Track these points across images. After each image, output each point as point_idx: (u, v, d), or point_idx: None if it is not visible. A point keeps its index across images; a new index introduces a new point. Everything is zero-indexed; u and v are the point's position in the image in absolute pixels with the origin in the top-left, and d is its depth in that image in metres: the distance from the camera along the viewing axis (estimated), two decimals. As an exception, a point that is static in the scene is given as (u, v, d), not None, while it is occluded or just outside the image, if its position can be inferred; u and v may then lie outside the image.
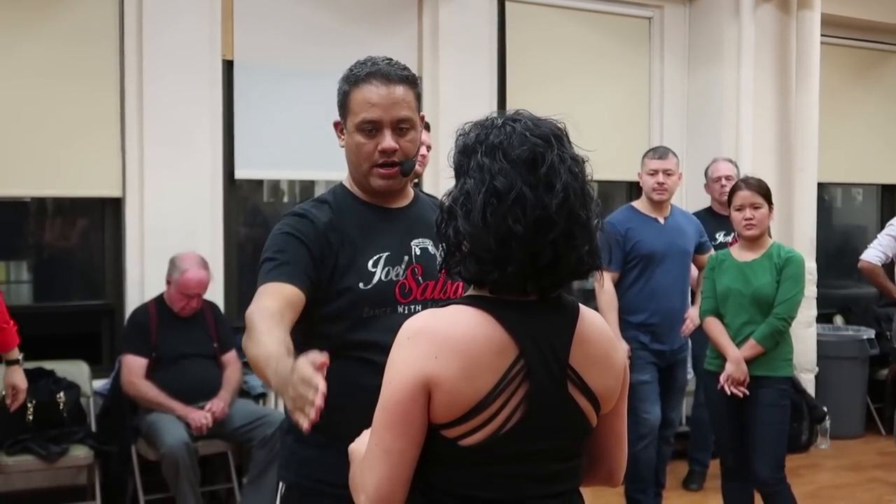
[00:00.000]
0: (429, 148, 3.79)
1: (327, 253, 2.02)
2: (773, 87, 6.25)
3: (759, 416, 3.80)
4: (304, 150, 5.17)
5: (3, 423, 4.28)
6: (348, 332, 2.02)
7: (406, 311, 2.02)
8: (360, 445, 1.57)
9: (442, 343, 1.43)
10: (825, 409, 5.02)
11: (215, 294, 4.86)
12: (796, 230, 6.11)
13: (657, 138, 6.34)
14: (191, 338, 4.57)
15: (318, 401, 1.50)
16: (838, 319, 6.94)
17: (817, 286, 6.16)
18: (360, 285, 2.02)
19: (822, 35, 6.17)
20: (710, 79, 6.25)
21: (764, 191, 3.87)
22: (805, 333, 5.94)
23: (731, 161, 5.50)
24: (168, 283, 4.57)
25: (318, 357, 1.53)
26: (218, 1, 4.95)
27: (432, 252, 2.10)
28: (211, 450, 4.57)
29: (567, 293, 1.57)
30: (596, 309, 1.59)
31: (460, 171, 1.52)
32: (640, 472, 4.41)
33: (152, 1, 4.76)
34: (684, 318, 4.59)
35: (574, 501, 1.57)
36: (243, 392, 4.80)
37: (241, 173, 5.10)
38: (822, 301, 6.32)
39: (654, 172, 4.49)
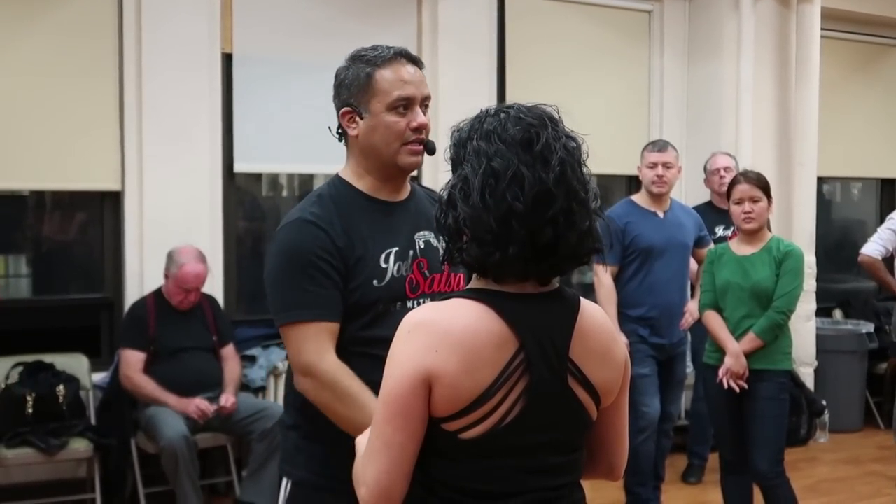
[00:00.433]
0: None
1: (344, 259, 2.01)
2: (772, 80, 6.25)
3: (758, 410, 3.80)
4: (304, 144, 5.17)
5: (3, 416, 4.30)
6: (360, 329, 2.01)
7: (415, 306, 2.01)
8: (365, 439, 1.57)
9: (442, 337, 1.42)
10: (824, 402, 5.01)
11: (214, 287, 4.86)
12: (795, 224, 6.11)
13: (657, 132, 6.33)
14: (189, 331, 4.57)
15: None
16: (837, 313, 6.95)
17: (816, 280, 6.17)
18: (375, 282, 2.01)
19: (821, 29, 6.17)
20: (709, 73, 6.25)
21: (763, 184, 3.87)
22: (804, 327, 5.95)
23: (729, 155, 5.50)
24: (166, 276, 4.57)
25: None
26: (217, -6, 4.95)
27: (435, 245, 2.10)
28: (210, 443, 4.58)
29: (566, 286, 1.57)
30: (595, 302, 1.59)
31: (457, 162, 1.52)
32: (640, 466, 4.42)
33: (151, -6, 4.76)
34: (683, 312, 4.59)
35: (574, 494, 1.57)
36: (243, 385, 4.81)
37: (240, 167, 5.10)
38: (821, 295, 6.32)
39: (654, 165, 4.49)
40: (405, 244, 2.07)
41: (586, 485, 1.64)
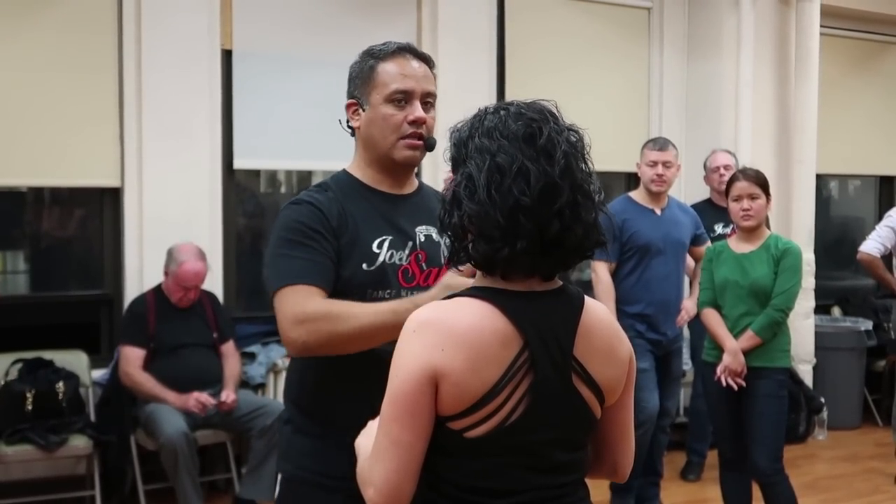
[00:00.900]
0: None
1: (336, 237, 2.01)
2: (772, 78, 6.25)
3: (757, 408, 3.81)
4: (303, 141, 5.17)
5: (3, 412, 4.29)
6: None
7: (409, 296, 2.01)
8: (366, 440, 1.56)
9: (448, 335, 1.42)
10: (823, 400, 5.03)
11: (214, 284, 4.86)
12: (794, 221, 6.12)
13: (656, 129, 6.34)
14: (189, 328, 4.57)
15: None
16: (836, 311, 6.96)
17: (815, 277, 6.17)
18: (364, 266, 2.01)
19: (821, 26, 6.17)
20: (709, 70, 6.25)
21: (762, 182, 3.87)
22: (803, 325, 5.95)
23: (729, 152, 5.50)
24: (166, 273, 4.57)
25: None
26: (217, -9, 4.95)
27: (436, 240, 2.10)
28: (210, 439, 4.58)
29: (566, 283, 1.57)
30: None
31: (458, 161, 1.52)
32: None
33: (151, -10, 4.76)
34: (679, 310, 4.60)
35: (579, 492, 1.57)
36: (243, 382, 4.81)
37: (239, 163, 5.10)
38: (819, 292, 6.33)
39: (654, 164, 4.49)
40: (402, 234, 2.07)
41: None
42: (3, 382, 4.42)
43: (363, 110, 2.08)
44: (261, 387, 4.91)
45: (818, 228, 6.37)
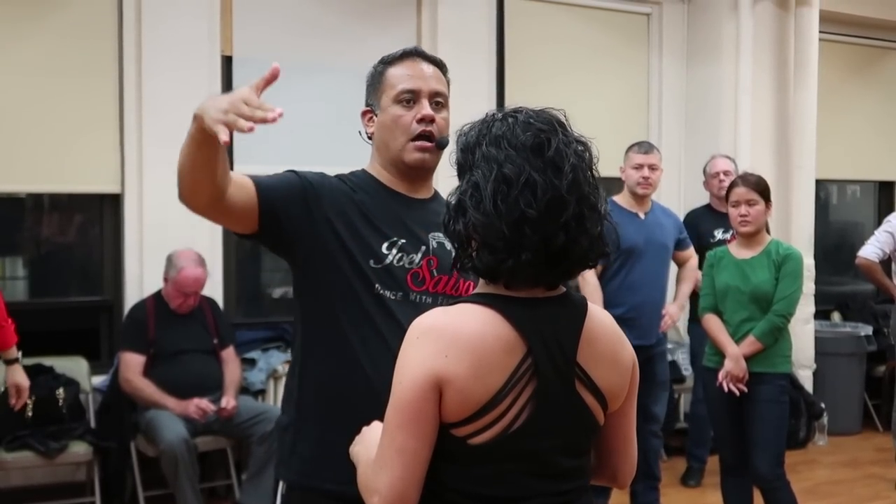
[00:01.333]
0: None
1: (332, 210, 2.01)
2: (771, 83, 6.25)
3: (759, 413, 3.81)
4: (304, 146, 5.17)
5: (3, 419, 4.28)
6: (359, 313, 2.00)
7: (417, 300, 2.01)
8: (363, 448, 1.57)
9: (452, 342, 1.42)
10: (823, 405, 5.02)
11: (214, 290, 4.86)
12: (794, 227, 6.11)
13: (655, 134, 6.34)
14: (189, 333, 4.57)
15: (267, 114, 1.70)
16: (836, 316, 6.95)
17: (815, 283, 6.17)
18: (371, 262, 2.01)
19: (820, 31, 6.17)
20: (708, 75, 6.26)
21: (760, 187, 3.87)
22: (803, 330, 5.95)
23: (729, 158, 5.50)
24: (165, 280, 4.57)
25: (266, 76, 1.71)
26: (217, -3, 4.95)
27: (448, 248, 2.09)
28: (210, 446, 4.58)
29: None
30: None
31: (464, 167, 1.51)
32: None
33: (151, -4, 4.76)
34: (662, 315, 4.59)
35: (583, 498, 1.57)
36: (243, 388, 4.80)
37: (239, 168, 5.07)
38: (819, 298, 6.33)
39: (640, 167, 4.51)
40: (415, 239, 2.07)
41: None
42: (2, 389, 4.41)
43: (376, 116, 2.11)
44: (261, 393, 4.91)
45: (817, 234, 6.37)
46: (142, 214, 4.79)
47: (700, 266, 4.57)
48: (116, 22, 4.77)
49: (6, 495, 4.44)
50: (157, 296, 4.61)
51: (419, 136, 2.05)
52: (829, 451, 5.97)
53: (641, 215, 4.55)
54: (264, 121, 1.71)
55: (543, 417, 1.46)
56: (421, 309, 1.99)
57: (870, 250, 5.29)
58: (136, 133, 4.77)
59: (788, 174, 6.20)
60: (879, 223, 5.64)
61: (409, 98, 2.05)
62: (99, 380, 4.70)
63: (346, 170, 2.16)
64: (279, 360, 4.92)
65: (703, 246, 4.92)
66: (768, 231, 4.02)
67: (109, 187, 4.83)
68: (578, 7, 6.07)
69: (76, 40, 4.72)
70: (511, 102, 1.58)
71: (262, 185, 1.97)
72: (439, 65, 2.15)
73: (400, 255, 2.03)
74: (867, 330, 6.46)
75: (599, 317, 1.57)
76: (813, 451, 5.72)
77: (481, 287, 1.53)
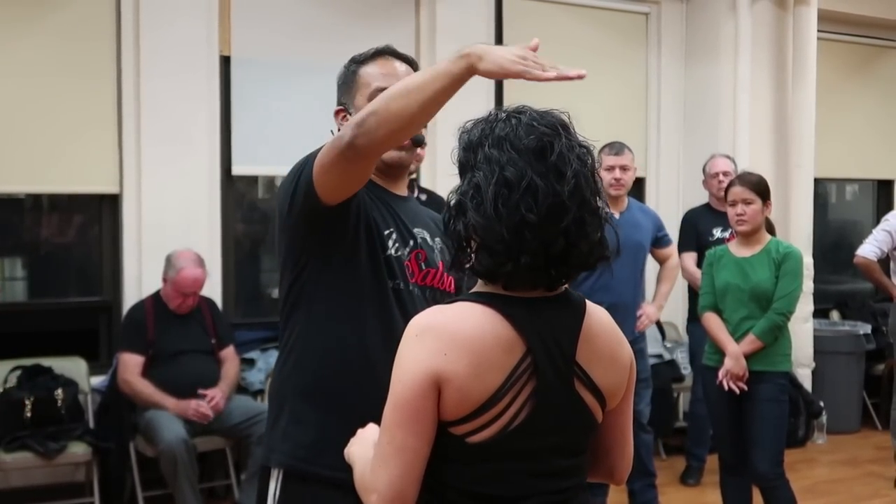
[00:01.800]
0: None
1: (362, 200, 2.01)
2: (769, 82, 6.26)
3: (758, 412, 3.81)
4: (302, 146, 5.10)
5: (2, 419, 4.29)
6: (364, 300, 2.01)
7: (412, 291, 2.05)
8: (360, 448, 1.57)
9: (450, 340, 1.42)
10: (822, 404, 5.04)
11: (213, 290, 4.86)
12: (793, 225, 6.12)
13: (654, 134, 6.36)
14: (188, 334, 4.56)
15: (570, 72, 1.76)
16: (835, 315, 6.96)
17: (814, 281, 6.17)
18: (380, 252, 2.04)
19: (818, 31, 6.18)
20: (707, 74, 6.26)
21: (758, 187, 3.88)
22: (802, 329, 5.95)
23: (728, 157, 5.50)
24: (164, 280, 4.57)
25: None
26: (215, -3, 4.95)
27: (430, 243, 2.14)
28: (209, 446, 4.57)
29: None
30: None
31: (466, 166, 1.51)
32: None
33: (149, -3, 4.76)
34: (639, 315, 4.58)
35: (580, 497, 1.57)
36: (242, 388, 4.81)
37: (238, 169, 5.10)
38: (818, 296, 6.33)
39: (612, 168, 4.52)
40: (405, 232, 2.10)
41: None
42: (1, 390, 4.41)
43: (350, 115, 2.11)
44: (260, 393, 4.90)
45: (816, 232, 6.37)
46: (140, 215, 4.78)
47: (699, 265, 4.57)
48: (115, 22, 4.77)
49: (5, 496, 4.44)
50: (156, 296, 4.60)
51: None
52: (828, 450, 5.98)
53: (616, 215, 4.56)
54: (561, 77, 1.75)
55: (542, 416, 1.47)
56: (412, 300, 2.02)
57: (868, 249, 5.29)
58: (135, 133, 4.77)
59: (787, 173, 6.20)
60: (878, 222, 5.64)
61: None
62: (98, 380, 4.69)
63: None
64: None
65: (703, 245, 4.93)
66: (773, 230, 4.03)
67: (108, 188, 4.83)
68: (577, 6, 6.07)
69: (74, 41, 4.71)
70: (509, 102, 1.57)
71: None
72: (411, 63, 2.16)
73: (396, 245, 2.06)
74: (866, 328, 6.47)
75: (598, 316, 1.57)
76: (812, 449, 5.73)
77: (480, 286, 1.53)
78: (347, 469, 1.58)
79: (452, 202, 1.50)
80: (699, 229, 5.25)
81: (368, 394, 1.78)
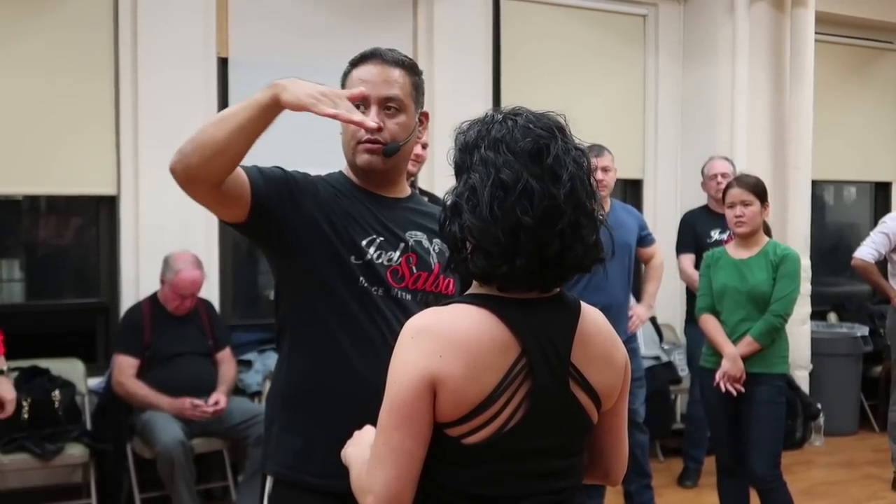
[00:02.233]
0: (424, 146, 3.77)
1: (316, 207, 2.01)
2: (767, 84, 6.26)
3: (756, 413, 3.81)
4: (298, 147, 5.15)
5: (-2, 421, 4.28)
6: (344, 307, 2.01)
7: (398, 296, 2.04)
8: (356, 450, 1.57)
9: (446, 342, 1.42)
10: (819, 406, 5.03)
11: (210, 292, 4.85)
12: (790, 227, 6.12)
13: (652, 135, 6.36)
14: (185, 336, 4.56)
15: (356, 117, 1.78)
16: (832, 317, 6.96)
17: (811, 283, 6.17)
18: (353, 258, 2.02)
19: (816, 32, 6.18)
20: (704, 76, 6.26)
21: (756, 188, 3.88)
22: (799, 331, 5.95)
23: (727, 159, 5.50)
24: (162, 282, 4.56)
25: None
26: (212, -2, 4.95)
27: (426, 246, 2.12)
28: (206, 448, 4.57)
29: None
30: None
31: (462, 168, 1.51)
32: None
33: (147, -2, 4.76)
34: (630, 315, 4.60)
35: (576, 498, 1.57)
36: (239, 390, 4.80)
37: (235, 170, 5.09)
38: (816, 298, 6.34)
39: (593, 170, 4.53)
40: (393, 236, 2.08)
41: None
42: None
43: None
44: (257, 394, 4.90)
45: (814, 235, 6.38)
46: (138, 216, 4.78)
47: (698, 266, 4.58)
48: (112, 23, 4.76)
49: (2, 498, 4.43)
50: (153, 298, 4.60)
51: (367, 140, 2.05)
52: (826, 452, 5.98)
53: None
54: (350, 121, 1.80)
55: (538, 417, 1.47)
56: (402, 305, 2.00)
57: (866, 251, 5.30)
58: (132, 135, 4.77)
59: (785, 175, 6.20)
60: (876, 224, 5.65)
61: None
62: (95, 382, 4.69)
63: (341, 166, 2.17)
64: (275, 362, 4.91)
65: (701, 246, 4.94)
66: (769, 233, 4.03)
67: (105, 189, 4.83)
68: (574, 8, 6.07)
69: (72, 42, 4.71)
70: (507, 103, 1.57)
71: (253, 175, 1.97)
72: (404, 65, 2.11)
73: (378, 252, 2.05)
74: (863, 331, 6.47)
75: (593, 317, 1.58)
76: (809, 451, 5.73)
77: (475, 288, 1.53)
78: (333, 476, 1.58)
79: (448, 203, 1.50)
80: (697, 231, 5.25)
81: (352, 402, 1.78)
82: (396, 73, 2.08)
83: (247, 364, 4.97)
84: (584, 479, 1.63)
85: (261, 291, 5.53)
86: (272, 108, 1.81)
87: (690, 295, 5.11)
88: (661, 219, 6.28)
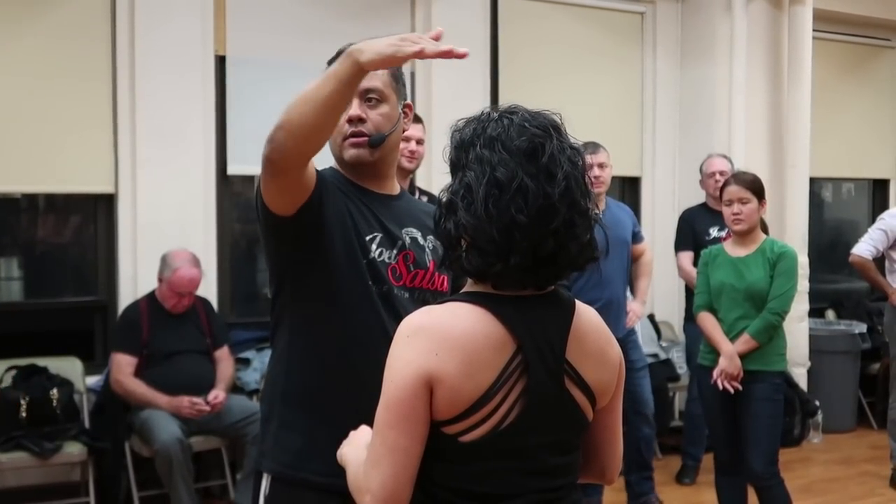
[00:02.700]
0: (420, 142, 3.78)
1: (339, 203, 2.01)
2: (765, 82, 6.26)
3: (753, 411, 3.81)
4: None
5: (-4, 420, 4.28)
6: (349, 305, 2.00)
7: (397, 294, 2.04)
8: (353, 449, 1.57)
9: (442, 340, 1.42)
10: (817, 403, 5.03)
11: (208, 290, 4.85)
12: (788, 225, 6.12)
13: (649, 133, 6.36)
14: (183, 334, 4.56)
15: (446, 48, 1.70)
16: (830, 314, 6.97)
17: (809, 281, 6.18)
18: (362, 256, 2.02)
19: (813, 30, 6.18)
20: (702, 74, 6.27)
21: (754, 186, 3.88)
22: (797, 328, 5.95)
23: (725, 157, 5.51)
24: (160, 280, 4.56)
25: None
26: (210, -4, 4.95)
27: (421, 243, 2.12)
28: (205, 446, 4.57)
29: None
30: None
31: (457, 165, 1.51)
32: None
33: (145, -4, 4.76)
34: (627, 311, 4.61)
35: (572, 495, 1.57)
36: (237, 388, 4.80)
37: (233, 169, 5.10)
38: (814, 296, 6.33)
39: (589, 167, 4.54)
40: (391, 234, 2.08)
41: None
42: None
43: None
44: (255, 392, 4.90)
45: (812, 232, 6.38)
46: (136, 214, 4.78)
47: (696, 264, 4.58)
48: (110, 22, 4.76)
49: (1, 496, 4.44)
50: (151, 296, 4.60)
51: (351, 134, 2.05)
52: (824, 449, 5.98)
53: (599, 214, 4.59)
54: (439, 53, 1.73)
55: (533, 414, 1.47)
56: (400, 303, 2.00)
57: (864, 248, 5.31)
58: (130, 133, 4.77)
59: (782, 172, 6.20)
60: (873, 221, 5.65)
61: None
62: (93, 380, 4.69)
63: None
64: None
65: (700, 244, 4.95)
66: (766, 230, 4.03)
67: (103, 187, 4.82)
68: (572, 6, 6.07)
69: (70, 41, 4.71)
70: (505, 102, 1.57)
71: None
72: None
73: (380, 249, 2.05)
74: (861, 328, 6.48)
75: (587, 315, 1.58)
76: (807, 448, 5.73)
77: (470, 286, 1.53)
78: (334, 475, 1.58)
79: (443, 200, 1.50)
80: (696, 229, 5.26)
81: (353, 399, 1.78)
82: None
83: (245, 362, 4.97)
84: (580, 478, 1.63)
85: (259, 289, 5.53)
86: (356, 76, 1.76)
87: (689, 292, 5.11)
88: (660, 216, 6.29)
